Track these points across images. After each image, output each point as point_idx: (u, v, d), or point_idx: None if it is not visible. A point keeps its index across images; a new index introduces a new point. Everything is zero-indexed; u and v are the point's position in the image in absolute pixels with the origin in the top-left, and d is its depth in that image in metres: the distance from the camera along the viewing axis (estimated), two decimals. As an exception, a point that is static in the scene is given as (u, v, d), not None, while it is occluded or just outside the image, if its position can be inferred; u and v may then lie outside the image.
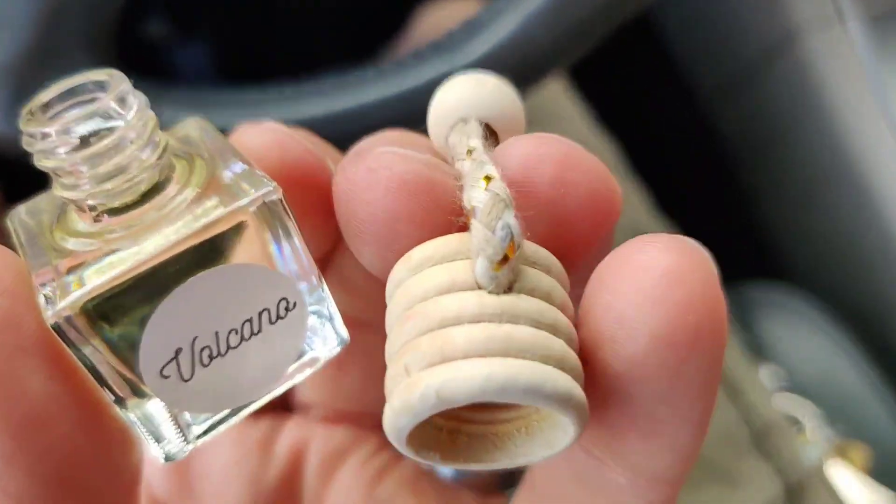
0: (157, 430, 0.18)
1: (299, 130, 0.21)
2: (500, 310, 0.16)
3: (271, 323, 0.18)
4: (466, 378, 0.15)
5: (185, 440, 0.18)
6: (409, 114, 0.40)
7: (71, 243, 0.17)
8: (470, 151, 0.18)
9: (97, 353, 0.16)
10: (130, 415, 0.17)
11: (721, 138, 0.83)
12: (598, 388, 0.17)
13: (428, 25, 0.64)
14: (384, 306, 0.22)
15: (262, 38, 0.68)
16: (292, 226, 0.17)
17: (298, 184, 0.19)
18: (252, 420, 0.23)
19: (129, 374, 0.17)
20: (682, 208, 0.71)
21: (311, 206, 0.20)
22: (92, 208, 0.17)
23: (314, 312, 0.19)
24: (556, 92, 0.65)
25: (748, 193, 0.83)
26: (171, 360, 0.17)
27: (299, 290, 0.18)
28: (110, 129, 0.16)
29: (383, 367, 0.23)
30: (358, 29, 0.69)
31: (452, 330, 0.15)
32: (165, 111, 0.41)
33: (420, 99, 0.33)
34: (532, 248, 0.17)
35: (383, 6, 0.67)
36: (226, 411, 0.18)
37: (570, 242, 0.18)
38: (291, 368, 0.19)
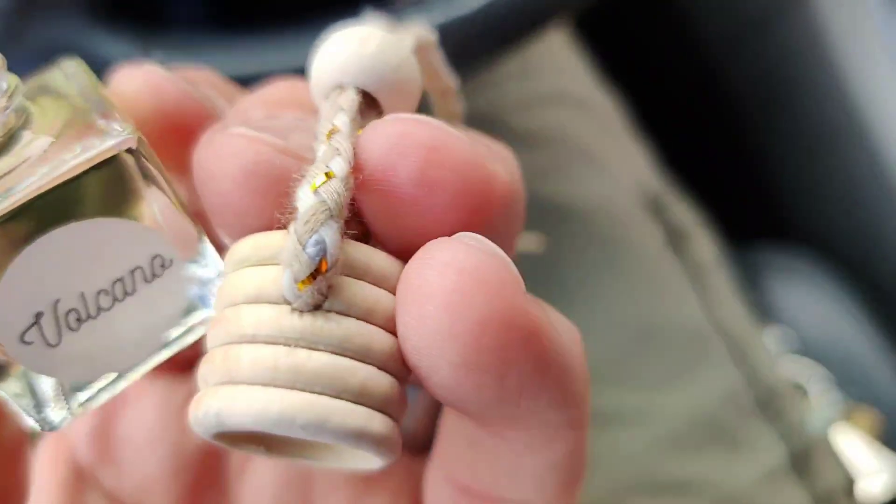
0: (38, 399, 0.17)
1: (196, 72, 0.19)
2: (297, 333, 0.15)
3: (146, 282, 0.16)
4: (242, 409, 0.14)
5: (69, 409, 0.17)
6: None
7: None
8: (331, 133, 0.16)
9: None
10: None
11: (729, 92, 0.81)
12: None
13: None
14: None
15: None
16: (159, 176, 0.16)
17: (176, 129, 0.18)
18: (176, 383, 0.23)
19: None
20: (688, 164, 0.70)
21: (190, 150, 0.18)
22: None
23: (198, 272, 0.17)
24: (559, 43, 0.64)
25: (756, 150, 0.81)
26: (32, 324, 0.15)
27: (172, 245, 0.16)
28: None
29: None
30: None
31: (243, 349, 0.14)
32: (156, 55, 0.40)
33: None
34: (364, 256, 0.15)
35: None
36: (112, 376, 0.17)
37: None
38: (178, 331, 0.18)
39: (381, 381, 0.15)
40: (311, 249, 0.14)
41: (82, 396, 0.17)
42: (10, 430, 0.18)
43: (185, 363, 0.21)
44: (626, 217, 0.58)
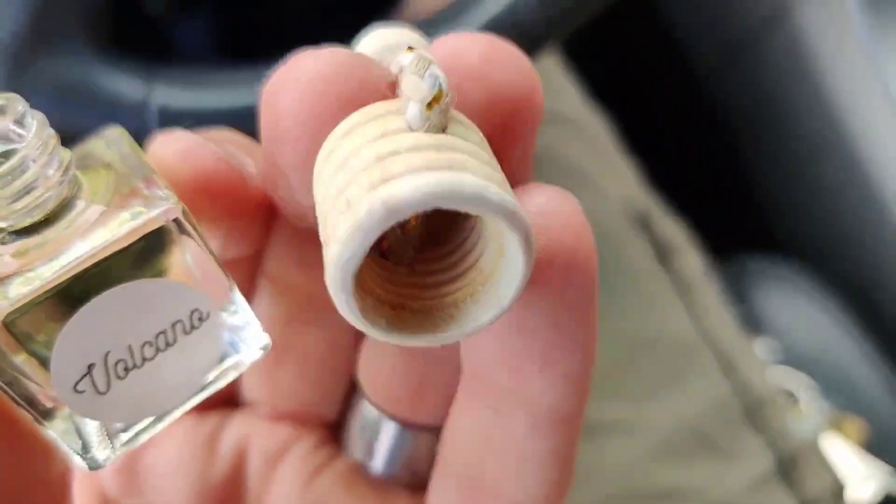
0: (84, 440, 0.18)
1: (218, 132, 0.21)
2: (437, 142, 0.15)
3: (186, 333, 0.18)
4: (414, 186, 0.14)
5: (112, 448, 0.19)
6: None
7: None
8: (411, 48, 0.17)
9: (12, 369, 0.17)
10: (50, 431, 0.18)
11: (716, 110, 0.83)
12: (496, 324, 0.17)
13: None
14: (319, 302, 0.22)
15: (261, 13, 0.68)
16: (198, 238, 0.18)
17: (210, 192, 0.19)
18: (199, 416, 0.24)
19: (47, 390, 0.17)
20: (678, 181, 0.71)
21: (228, 211, 0.20)
22: (1, 230, 0.17)
23: (230, 319, 0.19)
24: (549, 66, 0.65)
25: (744, 165, 0.83)
26: (85, 375, 0.17)
27: (211, 300, 0.18)
28: (11, 152, 0.16)
29: (320, 366, 0.24)
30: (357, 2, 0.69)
31: (391, 159, 0.15)
32: (160, 89, 0.41)
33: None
34: (460, 115, 0.17)
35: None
36: (150, 419, 0.19)
37: (499, 126, 0.18)
38: (213, 374, 0.19)
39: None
40: (428, 79, 0.16)
41: (125, 437, 0.19)
42: (58, 468, 0.19)
43: (207, 401, 0.22)
44: (615, 233, 0.60)
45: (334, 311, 0.22)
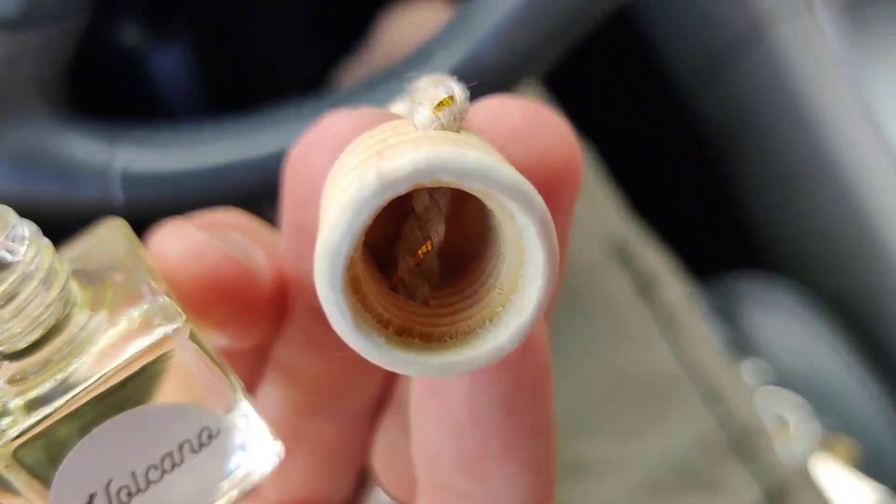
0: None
1: (222, 215, 0.20)
2: (444, 134, 0.15)
3: (194, 452, 0.17)
4: (411, 157, 0.13)
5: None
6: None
7: None
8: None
9: (13, 491, 0.16)
10: None
11: (698, 132, 0.83)
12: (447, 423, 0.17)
13: (394, 34, 0.64)
14: (331, 390, 0.21)
15: (236, 38, 0.69)
16: (205, 353, 0.17)
17: (218, 293, 0.18)
18: None
19: None
20: (660, 202, 0.71)
21: (236, 311, 0.19)
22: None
23: (239, 428, 0.18)
24: (524, 89, 0.65)
25: (728, 186, 0.83)
26: (86, 504, 0.16)
27: (220, 417, 0.17)
28: (4, 272, 0.15)
29: (331, 456, 0.23)
30: (330, 28, 0.69)
31: (392, 146, 0.14)
32: (122, 151, 0.40)
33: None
34: (479, 135, 0.16)
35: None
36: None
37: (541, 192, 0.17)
38: (223, 487, 0.18)
39: None
40: (441, 87, 0.15)
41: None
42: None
43: None
44: (594, 267, 0.59)
45: (348, 399, 0.21)
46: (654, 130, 0.86)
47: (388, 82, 0.41)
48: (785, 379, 0.71)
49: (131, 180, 0.41)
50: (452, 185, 0.14)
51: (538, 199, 0.14)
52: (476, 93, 0.41)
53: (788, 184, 0.78)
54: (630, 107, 0.86)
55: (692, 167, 0.85)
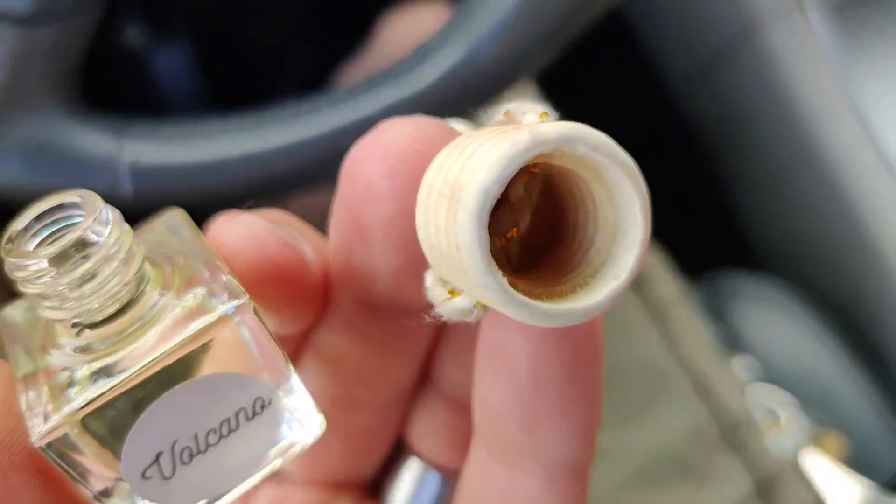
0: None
1: (273, 213, 0.21)
2: None
3: (248, 419, 0.18)
4: (558, 125, 0.15)
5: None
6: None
7: (55, 356, 0.17)
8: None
9: (84, 462, 0.17)
10: None
11: (690, 131, 0.83)
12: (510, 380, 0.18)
13: (393, 34, 0.64)
14: (368, 377, 0.23)
15: (236, 38, 0.69)
16: (264, 329, 0.18)
17: (276, 278, 0.19)
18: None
19: (110, 472, 0.17)
20: (655, 200, 0.72)
21: (291, 296, 0.20)
22: (75, 324, 0.17)
23: (287, 402, 0.19)
24: (517, 88, 0.65)
25: (719, 184, 0.83)
26: (153, 463, 0.17)
27: (273, 389, 0.18)
28: (86, 247, 0.17)
29: (365, 439, 0.24)
30: (330, 28, 0.70)
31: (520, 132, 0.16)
32: (130, 145, 0.41)
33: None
34: None
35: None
36: (206, 500, 0.19)
37: None
38: (270, 455, 0.19)
39: None
40: (538, 105, 0.17)
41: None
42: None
43: None
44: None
45: (383, 386, 0.22)
46: (646, 129, 0.87)
47: (388, 82, 0.42)
48: (774, 375, 0.72)
49: (139, 173, 0.41)
50: (569, 165, 0.16)
51: (643, 183, 0.16)
52: (475, 91, 0.42)
53: (778, 182, 0.79)
54: (622, 106, 0.87)
55: (684, 166, 0.85)
